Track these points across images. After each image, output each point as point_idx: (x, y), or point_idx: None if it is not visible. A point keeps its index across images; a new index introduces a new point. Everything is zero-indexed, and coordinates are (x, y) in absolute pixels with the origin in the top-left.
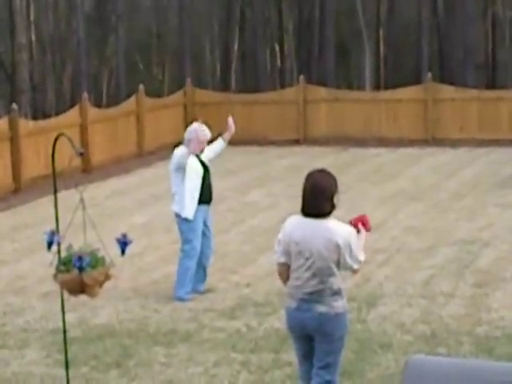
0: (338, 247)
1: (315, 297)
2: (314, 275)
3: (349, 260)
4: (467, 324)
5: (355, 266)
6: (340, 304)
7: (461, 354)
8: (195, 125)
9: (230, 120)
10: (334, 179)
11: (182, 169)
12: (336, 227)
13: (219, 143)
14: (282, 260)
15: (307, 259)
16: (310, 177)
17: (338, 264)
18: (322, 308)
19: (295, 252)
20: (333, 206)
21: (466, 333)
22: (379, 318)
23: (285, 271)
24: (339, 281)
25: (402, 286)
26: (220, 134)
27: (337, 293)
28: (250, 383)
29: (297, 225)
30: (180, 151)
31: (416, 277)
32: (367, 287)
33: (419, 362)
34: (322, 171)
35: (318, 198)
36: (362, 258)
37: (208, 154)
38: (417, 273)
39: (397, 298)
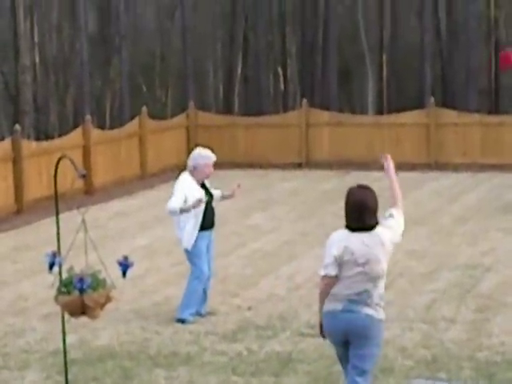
0: (388, 249)
1: (364, 298)
2: (369, 279)
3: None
4: (468, 349)
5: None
6: (383, 312)
7: (461, 378)
8: (199, 150)
9: (237, 189)
10: (375, 194)
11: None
12: (383, 233)
13: (217, 196)
14: (334, 273)
15: (363, 265)
16: (353, 194)
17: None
18: (369, 311)
19: (351, 262)
20: (376, 219)
21: (466, 358)
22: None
23: (332, 283)
24: (383, 287)
25: (403, 310)
26: (223, 195)
27: (381, 298)
28: None
29: (348, 237)
30: (180, 182)
31: (418, 301)
32: None
33: None
34: (364, 187)
35: (364, 214)
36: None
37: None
38: (419, 297)
39: (398, 323)
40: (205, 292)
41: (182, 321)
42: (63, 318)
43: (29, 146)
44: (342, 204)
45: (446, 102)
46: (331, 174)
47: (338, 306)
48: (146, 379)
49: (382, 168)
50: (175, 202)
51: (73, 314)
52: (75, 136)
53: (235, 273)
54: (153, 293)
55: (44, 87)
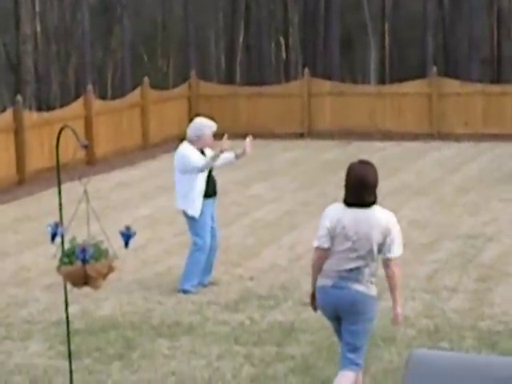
0: (383, 231)
1: (354, 275)
2: (358, 257)
3: (392, 244)
4: (470, 318)
5: (396, 253)
6: (375, 288)
7: (463, 348)
8: (200, 119)
9: (248, 143)
10: (375, 170)
11: (188, 171)
12: (381, 213)
13: (230, 156)
14: (327, 245)
15: (354, 242)
16: (355, 169)
17: (380, 249)
18: (359, 287)
19: (342, 235)
20: (376, 196)
21: (468, 327)
22: (382, 311)
23: (324, 256)
24: (376, 267)
25: (405, 280)
26: (235, 153)
27: (374, 275)
28: (252, 376)
29: (343, 211)
30: (186, 151)
31: (420, 271)
32: None
33: (422, 357)
34: (365, 162)
35: (364, 191)
36: (401, 249)
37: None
38: (420, 267)
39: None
40: (210, 263)
41: (184, 291)
42: (65, 288)
43: (30, 116)
44: (343, 174)
45: (448, 72)
46: (333, 143)
47: (329, 282)
48: (149, 349)
49: (384, 138)
50: (198, 161)
51: (75, 284)
52: (77, 106)
53: (237, 243)
54: (155, 263)
55: (45, 57)
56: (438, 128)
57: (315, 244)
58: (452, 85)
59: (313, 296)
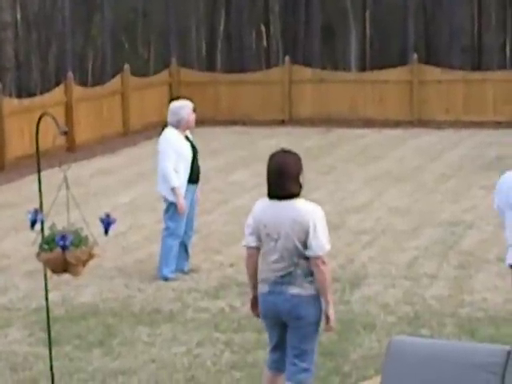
0: (303, 226)
1: (287, 279)
2: (283, 257)
3: (313, 241)
4: (450, 305)
5: (319, 252)
6: (314, 286)
7: (443, 335)
8: (175, 103)
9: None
10: (298, 158)
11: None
12: (303, 207)
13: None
14: (254, 244)
15: (276, 241)
16: (273, 158)
17: (305, 245)
18: (294, 290)
19: (264, 235)
20: (300, 186)
21: (449, 314)
22: (363, 298)
23: (254, 255)
24: (309, 264)
25: (385, 267)
26: None
27: (310, 274)
28: (232, 363)
29: (264, 207)
30: (171, 139)
31: (400, 258)
32: (351, 268)
33: (402, 343)
34: (285, 151)
35: (283, 179)
36: (327, 245)
37: None
38: (401, 254)
39: (381, 279)
40: (186, 249)
41: (164, 279)
42: (45, 275)
43: (10, 103)
44: (324, 161)
45: (429, 59)
46: (314, 130)
47: (265, 289)
48: (129, 336)
49: (365, 125)
50: (174, 179)
51: (55, 271)
52: (57, 93)
53: (217, 230)
54: (136, 250)
55: (26, 44)
56: (418, 115)
57: (243, 243)
58: (433, 72)
59: (253, 301)
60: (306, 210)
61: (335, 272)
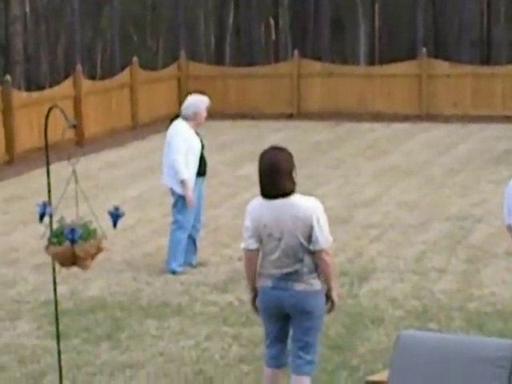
0: (306, 222)
1: (293, 276)
2: (287, 255)
3: (319, 235)
4: (458, 300)
5: (324, 245)
6: (319, 281)
7: (452, 329)
8: (195, 97)
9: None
10: (289, 154)
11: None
12: (301, 202)
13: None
14: (254, 246)
15: (279, 240)
16: (264, 156)
17: (309, 240)
18: (299, 286)
19: (265, 235)
20: (293, 183)
21: (457, 308)
22: (371, 292)
23: (255, 257)
24: (313, 258)
25: (394, 261)
26: None
27: (315, 270)
28: (240, 357)
29: (261, 207)
30: (182, 132)
31: (408, 252)
32: (359, 262)
33: (410, 337)
34: (276, 148)
35: (276, 177)
36: (331, 237)
37: None
38: (409, 248)
39: (389, 273)
40: (194, 243)
41: (172, 272)
42: (54, 268)
43: (19, 96)
44: (333, 155)
45: (438, 53)
46: (322, 124)
47: (268, 283)
48: (137, 330)
49: (373, 119)
50: (184, 171)
51: (64, 264)
52: (66, 86)
53: (226, 223)
54: (144, 243)
55: (35, 37)
56: (427, 109)
57: (242, 246)
58: (442, 66)
59: (253, 301)
60: (306, 205)
61: (343, 266)
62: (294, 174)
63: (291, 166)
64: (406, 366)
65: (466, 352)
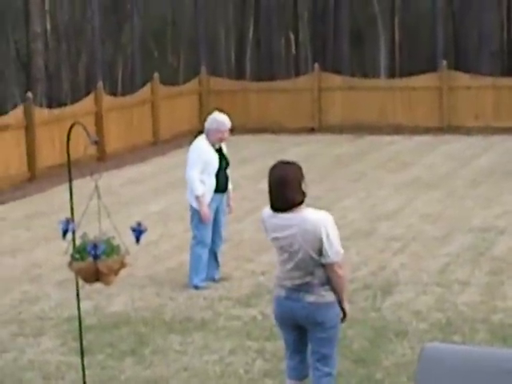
0: (315, 235)
1: (304, 288)
2: (298, 267)
3: (328, 248)
4: (482, 312)
5: (335, 258)
6: (331, 293)
7: (476, 341)
8: (215, 114)
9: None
10: (297, 167)
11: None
12: (310, 215)
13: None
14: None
15: (290, 252)
16: (273, 170)
17: (320, 253)
18: (311, 298)
19: (278, 247)
20: (303, 194)
21: (481, 320)
22: (394, 305)
23: None
24: (325, 271)
25: (417, 273)
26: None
27: (326, 283)
28: (265, 371)
29: (272, 220)
30: (201, 148)
31: (431, 264)
32: (382, 275)
33: (434, 350)
34: (284, 163)
35: (285, 190)
36: (341, 250)
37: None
38: (432, 260)
39: (412, 286)
40: (216, 257)
41: (195, 287)
42: (77, 284)
43: (41, 113)
44: (355, 168)
45: (458, 65)
46: (343, 138)
47: (282, 293)
48: (161, 345)
49: (394, 131)
50: (199, 187)
51: (87, 280)
52: (87, 103)
53: (249, 238)
54: (167, 259)
55: (56, 54)
56: (448, 121)
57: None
58: (462, 78)
59: None
60: (315, 218)
61: (366, 279)
62: (303, 185)
63: (299, 178)
64: (430, 378)
65: (490, 364)
